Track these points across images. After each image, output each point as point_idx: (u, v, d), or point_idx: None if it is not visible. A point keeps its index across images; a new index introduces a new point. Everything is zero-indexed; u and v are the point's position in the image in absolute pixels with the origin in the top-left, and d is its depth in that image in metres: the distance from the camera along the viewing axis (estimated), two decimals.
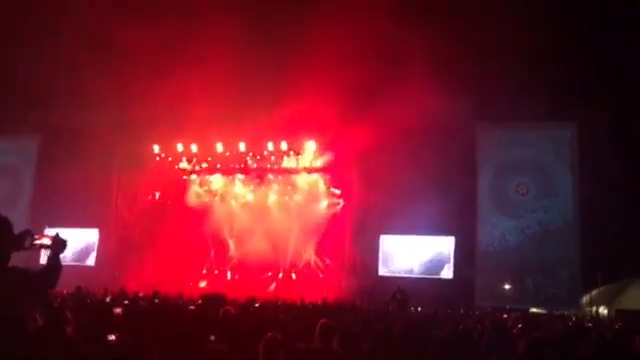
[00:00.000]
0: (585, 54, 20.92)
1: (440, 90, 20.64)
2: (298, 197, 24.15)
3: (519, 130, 23.83)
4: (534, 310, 21.05)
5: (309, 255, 23.61)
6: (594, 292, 22.06)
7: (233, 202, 25.07)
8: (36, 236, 3.28)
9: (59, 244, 3.34)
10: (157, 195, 25.21)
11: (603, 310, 20.71)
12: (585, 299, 22.19)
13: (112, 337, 5.37)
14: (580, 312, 20.59)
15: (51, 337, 4.47)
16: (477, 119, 23.09)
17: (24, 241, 3.21)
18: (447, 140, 20.88)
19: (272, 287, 22.73)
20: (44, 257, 3.45)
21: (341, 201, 23.43)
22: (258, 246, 23.49)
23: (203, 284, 23.70)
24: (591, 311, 21.08)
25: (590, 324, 13.46)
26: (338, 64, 20.15)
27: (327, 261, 23.45)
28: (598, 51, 21.09)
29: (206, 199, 25.20)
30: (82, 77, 21.67)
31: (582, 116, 21.67)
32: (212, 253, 24.63)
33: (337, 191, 23.66)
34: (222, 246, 24.60)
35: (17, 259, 3.14)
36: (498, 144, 23.80)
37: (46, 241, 3.31)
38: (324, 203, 23.77)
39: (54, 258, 3.32)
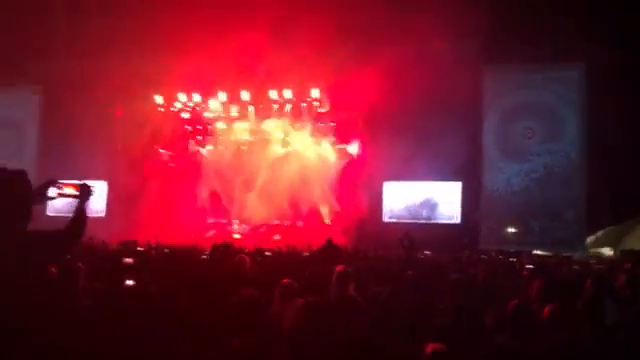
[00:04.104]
0: None
1: (444, 33, 20.22)
2: (303, 145, 24.03)
3: (525, 72, 23.44)
4: (538, 252, 21.24)
5: (315, 203, 23.69)
6: (599, 233, 22.22)
7: (235, 150, 24.94)
8: (60, 184, 3.07)
9: (86, 192, 3.14)
10: (161, 147, 25.12)
11: (609, 251, 20.90)
12: (590, 240, 22.37)
13: (130, 282, 5.26)
14: (585, 253, 20.78)
15: (66, 288, 4.44)
16: (482, 63, 22.67)
17: (47, 191, 3.02)
18: (452, 85, 20.49)
19: (277, 236, 22.89)
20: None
21: (347, 147, 23.33)
22: (264, 195, 23.58)
23: (210, 233, 23.93)
24: (596, 252, 21.27)
25: (598, 265, 13.58)
26: (340, 7, 19.70)
27: (333, 209, 23.56)
28: None
29: (211, 148, 25.16)
30: (81, 28, 21.33)
31: (589, 57, 21.26)
32: (219, 203, 24.81)
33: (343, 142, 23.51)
34: (228, 195, 24.72)
35: None
36: (504, 87, 23.50)
37: (71, 190, 3.10)
38: (329, 151, 23.70)
39: (81, 208, 3.09)
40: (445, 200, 23.79)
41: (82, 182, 3.16)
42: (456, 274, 5.81)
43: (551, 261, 13.78)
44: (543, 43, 20.84)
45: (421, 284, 4.93)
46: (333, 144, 23.67)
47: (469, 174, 22.98)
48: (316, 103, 23.24)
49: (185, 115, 24.78)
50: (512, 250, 19.96)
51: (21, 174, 2.88)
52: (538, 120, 22.92)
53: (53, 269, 4.33)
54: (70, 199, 3.13)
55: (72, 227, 3.04)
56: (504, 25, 20.50)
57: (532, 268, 7.13)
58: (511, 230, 22.44)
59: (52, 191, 3.05)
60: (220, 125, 24.82)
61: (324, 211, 23.64)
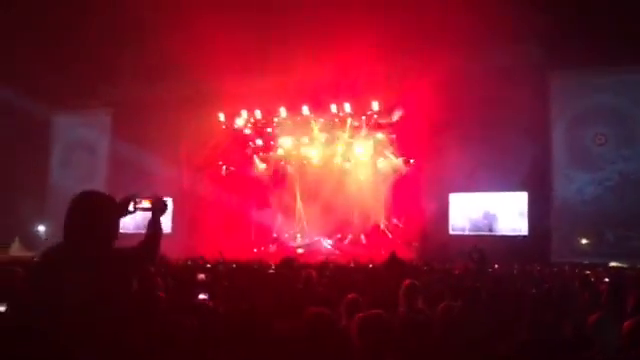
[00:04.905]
0: None
1: (506, 40, 19.81)
2: (365, 158, 23.95)
3: (593, 77, 22.49)
4: (614, 264, 20.26)
5: (377, 217, 23.53)
6: None
7: (298, 165, 25.14)
8: (138, 199, 3.12)
9: (160, 206, 3.16)
10: (224, 164, 25.62)
11: None
12: None
13: (203, 296, 5.36)
14: None
15: (147, 304, 4.56)
16: (547, 68, 22.01)
17: (128, 206, 3.08)
18: (516, 93, 20.02)
19: (337, 252, 22.85)
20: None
21: (411, 160, 23.05)
22: (326, 209, 23.62)
23: (273, 248, 24.19)
24: None
25: None
26: (399, 19, 19.62)
27: (396, 222, 23.31)
28: None
29: (271, 164, 25.48)
30: (147, 53, 22.33)
31: None
32: (280, 217, 25.08)
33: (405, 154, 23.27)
34: (291, 210, 24.92)
35: None
36: (572, 93, 22.65)
37: (146, 204, 3.13)
38: (392, 163, 23.51)
39: (156, 222, 3.14)
40: (510, 211, 23.06)
41: (155, 195, 3.22)
42: (531, 289, 5.60)
43: (629, 273, 13.08)
44: (612, 46, 19.99)
45: (495, 298, 4.78)
46: (395, 156, 23.45)
47: (536, 184, 22.21)
48: (376, 116, 23.15)
49: (247, 132, 25.22)
50: (586, 262, 19.14)
51: (111, 198, 3.00)
52: (610, 126, 21.93)
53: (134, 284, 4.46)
54: (147, 212, 3.18)
55: (149, 242, 3.10)
56: (568, 29, 19.84)
57: (610, 282, 6.78)
58: (584, 241, 21.51)
59: (131, 205, 3.12)
60: (282, 140, 25.09)
61: (386, 224, 23.43)
